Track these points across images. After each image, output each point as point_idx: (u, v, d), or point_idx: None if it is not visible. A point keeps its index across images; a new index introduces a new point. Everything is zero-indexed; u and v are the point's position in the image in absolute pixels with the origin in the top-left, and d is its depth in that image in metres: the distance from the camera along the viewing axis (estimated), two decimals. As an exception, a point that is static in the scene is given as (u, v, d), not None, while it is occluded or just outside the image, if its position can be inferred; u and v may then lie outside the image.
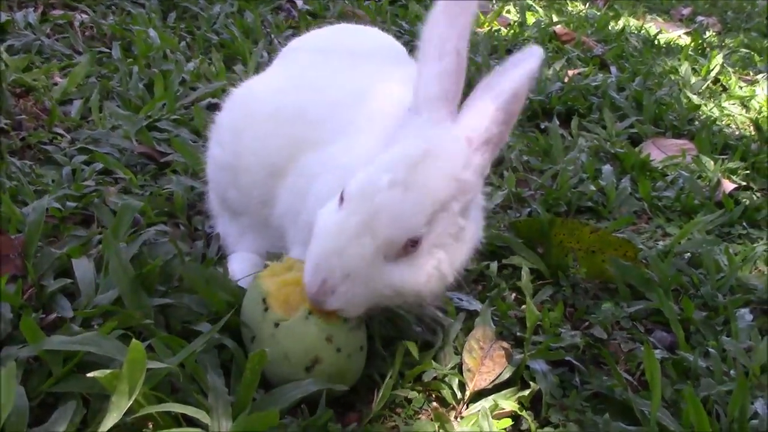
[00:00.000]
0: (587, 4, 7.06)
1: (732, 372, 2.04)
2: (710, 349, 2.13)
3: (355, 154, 1.80)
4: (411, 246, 1.64)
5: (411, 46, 1.81)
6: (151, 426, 1.52)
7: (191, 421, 1.51)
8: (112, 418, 1.45)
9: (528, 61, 1.74)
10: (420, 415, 1.80)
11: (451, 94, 1.73)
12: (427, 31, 1.75)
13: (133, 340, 1.47)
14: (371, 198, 1.63)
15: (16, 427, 1.43)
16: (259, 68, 3.37)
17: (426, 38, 1.74)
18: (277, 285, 1.75)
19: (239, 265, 2.09)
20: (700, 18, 7.38)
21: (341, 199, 1.66)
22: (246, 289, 1.88)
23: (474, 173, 1.73)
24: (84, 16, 4.07)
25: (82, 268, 1.87)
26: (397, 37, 3.38)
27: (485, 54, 4.47)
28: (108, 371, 1.46)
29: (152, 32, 3.85)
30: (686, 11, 7.60)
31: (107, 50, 3.64)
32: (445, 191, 1.68)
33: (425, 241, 1.66)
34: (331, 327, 1.68)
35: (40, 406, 1.53)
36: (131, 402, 1.46)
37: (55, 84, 3.17)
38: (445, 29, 1.72)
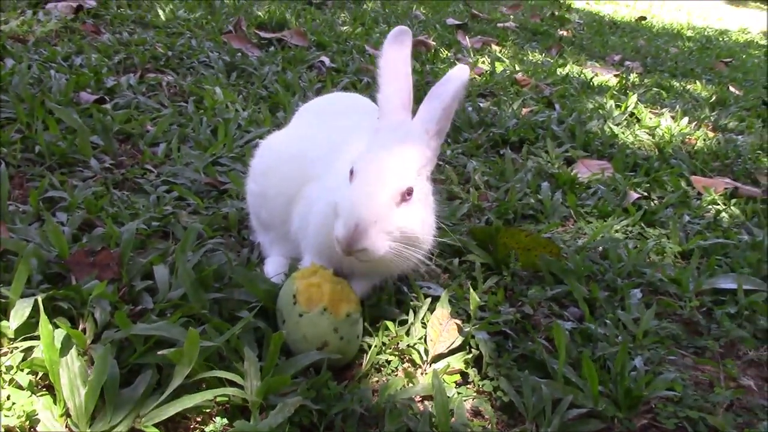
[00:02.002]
0: (543, 54, 7.02)
1: (620, 337, 2.10)
2: (607, 321, 2.19)
3: (337, 181, 1.86)
4: (408, 195, 1.75)
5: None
6: (204, 386, 1.61)
7: (232, 382, 1.61)
8: (176, 381, 1.56)
9: (460, 75, 1.87)
10: (396, 373, 1.87)
11: (407, 103, 1.86)
12: (382, 62, 1.87)
13: (190, 328, 1.57)
14: (377, 162, 1.75)
15: (111, 389, 1.52)
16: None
17: (382, 67, 1.87)
18: (304, 285, 1.83)
19: (272, 267, 2.16)
20: (627, 62, 7.33)
21: (351, 174, 1.76)
22: (277, 283, 1.97)
23: (432, 152, 1.87)
24: (170, 77, 4.13)
25: (161, 272, 1.95)
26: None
27: (461, 98, 4.49)
28: (174, 349, 1.57)
29: (218, 89, 3.89)
30: (617, 57, 7.54)
31: (185, 104, 3.69)
32: (419, 159, 1.82)
33: (414, 193, 1.77)
34: (338, 321, 1.78)
35: (128, 372, 1.61)
36: (190, 369, 1.57)
37: (147, 131, 3.22)
38: (395, 60, 1.86)
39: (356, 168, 1.76)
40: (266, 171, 2.18)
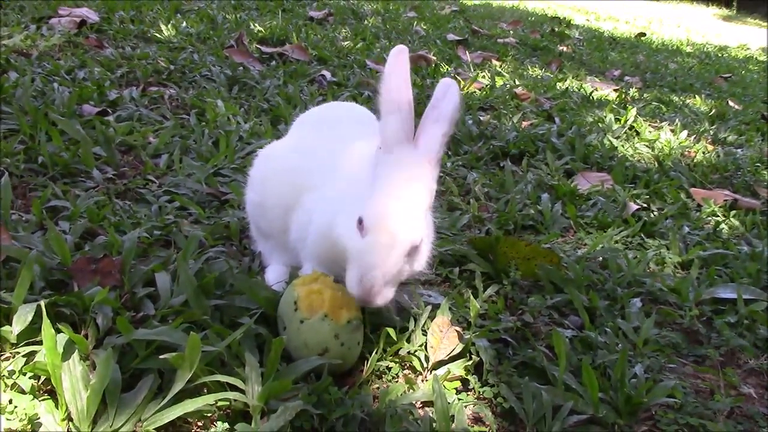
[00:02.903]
0: (543, 69, 7.07)
1: (620, 345, 2.11)
2: (607, 329, 2.20)
3: (336, 190, 1.89)
4: (418, 243, 1.76)
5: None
6: (205, 390, 1.62)
7: (233, 386, 1.61)
8: (178, 385, 1.56)
9: (452, 94, 1.83)
10: (396, 380, 1.88)
11: (410, 133, 1.80)
12: (384, 88, 1.78)
13: (192, 333, 1.58)
14: (389, 222, 1.71)
15: (113, 393, 1.53)
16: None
17: (384, 93, 1.78)
18: (305, 292, 1.83)
19: (272, 275, 2.17)
20: (627, 77, 7.37)
21: (359, 223, 1.72)
22: (278, 291, 1.97)
23: (435, 182, 1.84)
24: (172, 90, 4.16)
25: (162, 279, 1.95)
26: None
27: (462, 111, 4.53)
28: (175, 354, 1.57)
29: (219, 102, 3.92)
30: (617, 72, 7.58)
31: (187, 117, 3.71)
32: (427, 201, 1.80)
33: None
34: (339, 327, 1.78)
35: (130, 377, 1.61)
36: (191, 374, 1.57)
37: (149, 143, 3.24)
38: (398, 85, 1.78)
39: (367, 222, 1.71)
40: (264, 180, 2.18)
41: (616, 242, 2.96)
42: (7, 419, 1.45)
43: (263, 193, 2.18)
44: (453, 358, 1.95)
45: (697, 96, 6.79)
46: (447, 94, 1.83)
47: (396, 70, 1.79)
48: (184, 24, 5.88)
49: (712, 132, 5.20)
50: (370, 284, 1.69)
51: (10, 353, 1.62)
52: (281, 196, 2.10)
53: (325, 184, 1.98)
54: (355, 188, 1.84)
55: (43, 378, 1.59)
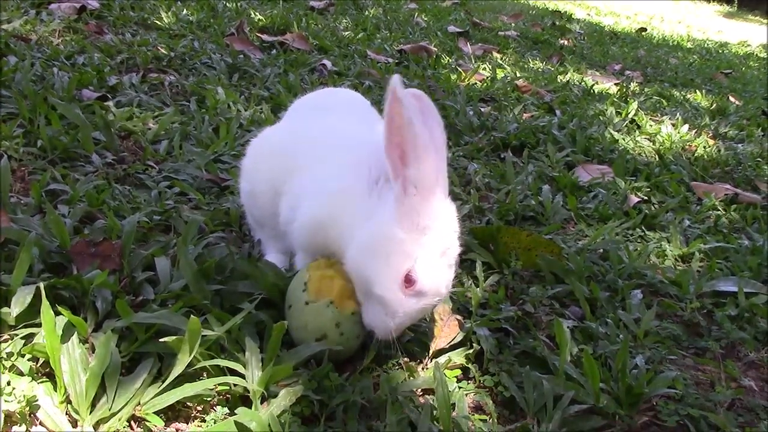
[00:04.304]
0: (544, 62, 7.05)
1: (621, 336, 2.10)
2: (608, 320, 2.19)
3: (324, 173, 1.86)
4: None
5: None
6: (205, 375, 1.61)
7: (233, 371, 1.61)
8: (177, 370, 1.55)
9: (434, 114, 1.73)
10: (396, 368, 1.86)
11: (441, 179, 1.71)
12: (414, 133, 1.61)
13: (192, 316, 1.57)
14: (443, 291, 1.73)
15: (112, 376, 1.52)
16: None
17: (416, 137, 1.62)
18: (318, 276, 1.81)
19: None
20: (627, 72, 7.36)
21: (407, 280, 1.67)
22: (284, 274, 1.96)
23: None
24: (172, 77, 4.14)
25: (162, 264, 1.94)
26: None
27: (463, 102, 4.52)
28: (175, 337, 1.56)
29: (220, 89, 3.90)
30: (617, 67, 7.57)
31: (187, 103, 3.70)
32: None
33: None
34: (341, 317, 1.76)
35: (129, 361, 1.61)
36: (191, 358, 1.56)
37: (149, 129, 3.23)
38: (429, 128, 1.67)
39: (423, 287, 1.68)
40: (255, 167, 2.14)
41: (617, 234, 2.94)
42: (6, 401, 1.43)
43: (254, 180, 2.13)
44: (453, 347, 1.94)
45: (697, 91, 6.77)
46: (431, 113, 1.72)
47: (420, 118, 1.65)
48: (185, 11, 5.85)
49: (712, 127, 5.19)
50: (397, 329, 1.73)
51: (9, 335, 1.61)
52: (271, 181, 2.05)
53: (312, 167, 1.93)
54: (353, 177, 1.81)
55: (41, 360, 1.58)
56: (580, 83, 6.07)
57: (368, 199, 1.78)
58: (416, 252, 1.67)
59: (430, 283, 1.69)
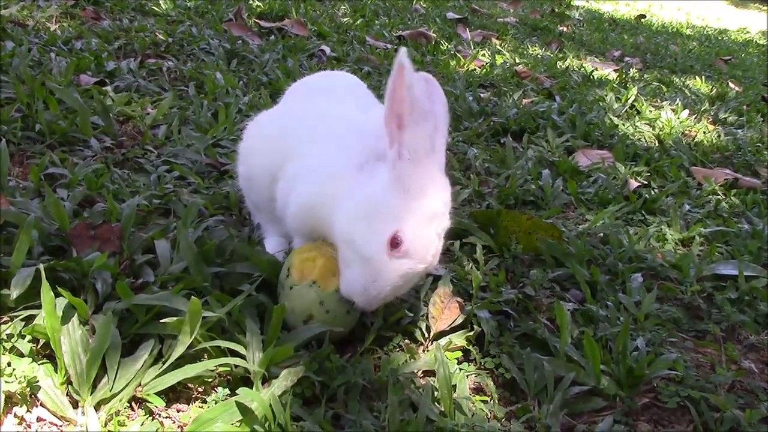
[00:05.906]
0: (543, 49, 7.02)
1: (621, 319, 2.10)
2: (608, 303, 2.19)
3: (318, 158, 1.84)
4: None
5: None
6: (205, 356, 1.61)
7: (234, 353, 1.60)
8: (178, 351, 1.55)
9: (441, 97, 1.75)
10: (397, 349, 1.86)
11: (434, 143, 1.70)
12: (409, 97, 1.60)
13: (193, 297, 1.56)
14: (430, 254, 1.68)
15: (113, 357, 1.52)
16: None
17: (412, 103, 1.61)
18: (300, 260, 1.82)
19: (270, 246, 2.13)
20: (627, 58, 7.33)
21: (393, 242, 1.63)
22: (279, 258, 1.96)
23: None
24: (170, 63, 4.12)
25: (162, 246, 1.93)
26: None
27: (462, 88, 4.51)
28: (176, 318, 1.56)
29: (219, 75, 3.89)
30: (617, 53, 7.54)
31: (185, 89, 3.68)
32: None
33: None
34: (324, 294, 1.75)
35: (130, 343, 1.60)
36: (192, 339, 1.56)
37: (148, 113, 3.21)
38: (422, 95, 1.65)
39: (408, 247, 1.64)
40: (251, 151, 2.13)
41: (617, 218, 2.94)
42: (6, 382, 1.43)
43: (250, 164, 2.12)
44: (454, 329, 1.94)
45: (697, 77, 6.76)
46: (435, 95, 1.74)
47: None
48: (182, -3, 5.82)
49: (712, 112, 5.18)
50: (377, 296, 1.69)
51: (8, 317, 1.60)
52: (266, 165, 2.03)
53: (307, 152, 1.91)
54: (344, 160, 1.80)
55: (42, 342, 1.58)
56: (580, 69, 6.05)
57: (357, 180, 1.75)
58: (405, 215, 1.65)
59: (417, 246, 1.65)
